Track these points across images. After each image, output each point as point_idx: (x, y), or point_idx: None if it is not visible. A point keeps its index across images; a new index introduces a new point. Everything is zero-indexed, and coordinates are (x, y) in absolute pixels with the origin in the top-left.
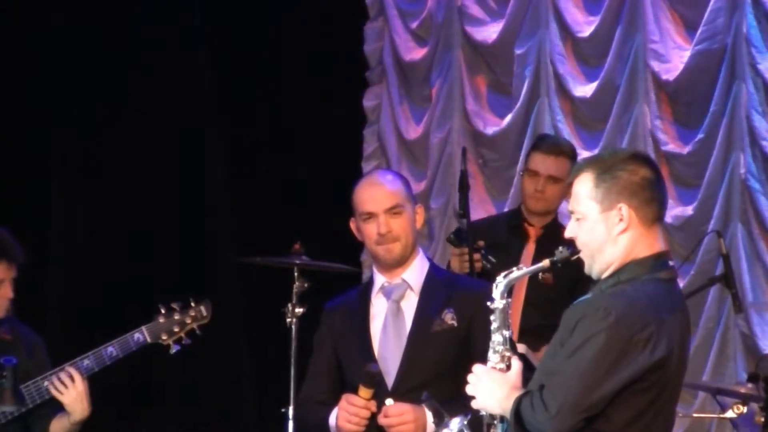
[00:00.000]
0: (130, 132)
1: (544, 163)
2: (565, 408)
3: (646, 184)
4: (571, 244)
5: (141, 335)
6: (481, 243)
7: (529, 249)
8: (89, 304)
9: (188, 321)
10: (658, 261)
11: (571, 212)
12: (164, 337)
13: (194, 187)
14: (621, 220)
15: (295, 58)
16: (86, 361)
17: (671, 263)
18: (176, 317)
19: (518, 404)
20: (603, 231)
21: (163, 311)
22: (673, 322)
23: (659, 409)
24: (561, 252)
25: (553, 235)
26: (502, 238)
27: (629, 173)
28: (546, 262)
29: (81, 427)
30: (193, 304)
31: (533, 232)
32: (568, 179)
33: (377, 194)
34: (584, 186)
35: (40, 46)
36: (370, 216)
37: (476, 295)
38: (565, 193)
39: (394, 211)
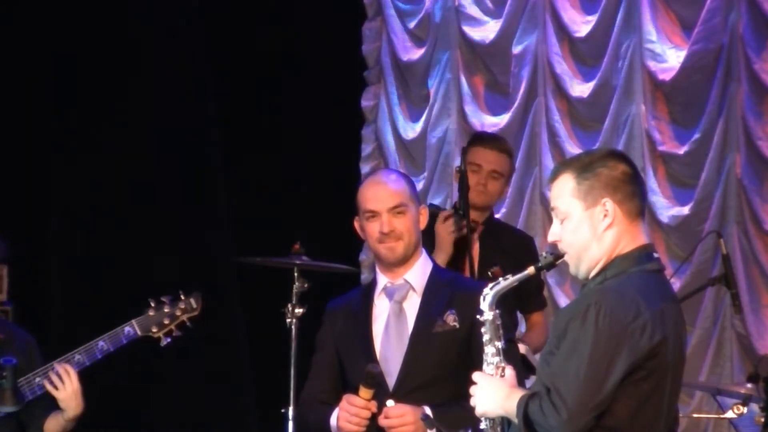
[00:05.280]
0: (130, 132)
1: (486, 158)
2: (576, 409)
3: (627, 179)
4: (502, 235)
5: (131, 329)
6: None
7: (474, 246)
8: (89, 306)
9: (178, 313)
10: (644, 253)
11: (554, 213)
12: (154, 330)
13: (194, 186)
14: (606, 215)
15: (294, 57)
16: (77, 356)
17: (656, 255)
18: (166, 310)
19: (525, 407)
20: (588, 229)
21: (153, 304)
22: (665, 310)
23: (661, 401)
24: (545, 257)
25: (494, 230)
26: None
27: (609, 169)
28: (531, 269)
29: (76, 424)
30: (182, 297)
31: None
32: (548, 181)
33: (381, 193)
34: (566, 185)
35: (40, 48)
36: (374, 214)
37: (478, 297)
38: (504, 190)
39: (397, 210)
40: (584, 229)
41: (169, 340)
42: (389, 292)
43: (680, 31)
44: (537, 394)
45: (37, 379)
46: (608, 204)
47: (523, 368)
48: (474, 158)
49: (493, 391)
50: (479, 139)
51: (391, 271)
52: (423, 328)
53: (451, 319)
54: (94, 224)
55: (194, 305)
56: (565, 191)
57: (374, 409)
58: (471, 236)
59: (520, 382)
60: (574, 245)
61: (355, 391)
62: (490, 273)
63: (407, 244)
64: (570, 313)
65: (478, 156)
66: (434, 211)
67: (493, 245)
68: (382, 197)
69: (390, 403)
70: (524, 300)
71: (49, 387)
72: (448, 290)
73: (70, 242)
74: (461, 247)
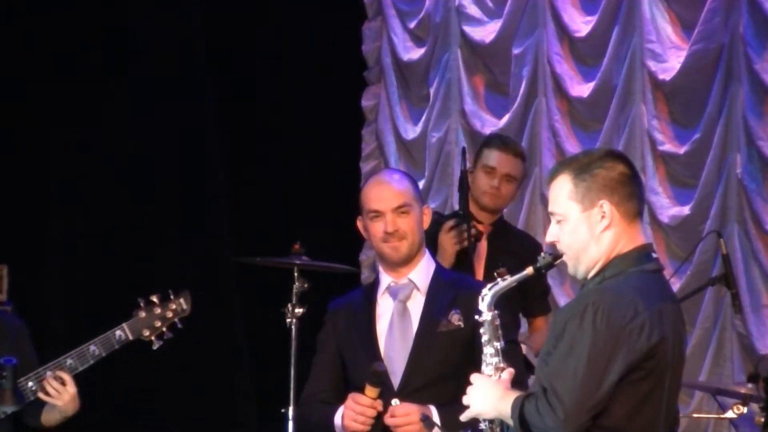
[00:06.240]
0: (130, 132)
1: (500, 161)
2: (573, 409)
3: (624, 180)
4: (510, 237)
5: (122, 333)
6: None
7: (482, 246)
8: (88, 306)
9: (169, 315)
10: (642, 254)
11: (551, 215)
12: (146, 333)
13: (194, 186)
14: (603, 217)
15: (294, 58)
16: (69, 361)
17: (655, 255)
18: (157, 311)
19: (521, 408)
20: (586, 230)
21: (142, 305)
22: (664, 310)
23: (660, 401)
24: (544, 257)
25: (502, 231)
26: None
27: (607, 170)
28: (530, 270)
29: (74, 418)
30: (172, 297)
31: (483, 230)
32: (546, 182)
33: (385, 193)
34: (563, 187)
35: (39, 47)
36: (378, 214)
37: None
38: (516, 193)
39: (401, 210)
40: (582, 231)
41: (160, 342)
42: (393, 292)
43: (681, 31)
44: (533, 395)
45: (30, 384)
46: (605, 206)
47: (526, 369)
48: (488, 161)
49: (488, 392)
50: (495, 141)
51: (395, 270)
52: (428, 327)
53: (455, 319)
54: (94, 224)
55: (185, 306)
56: (562, 193)
57: (380, 408)
58: (475, 244)
59: (523, 383)
60: (573, 246)
61: (359, 391)
62: (495, 274)
63: (411, 244)
64: (568, 313)
65: (492, 158)
66: (437, 219)
67: (502, 246)
68: (386, 197)
69: (395, 402)
70: (528, 303)
71: (45, 398)
72: (452, 290)
73: (70, 242)
74: (464, 255)
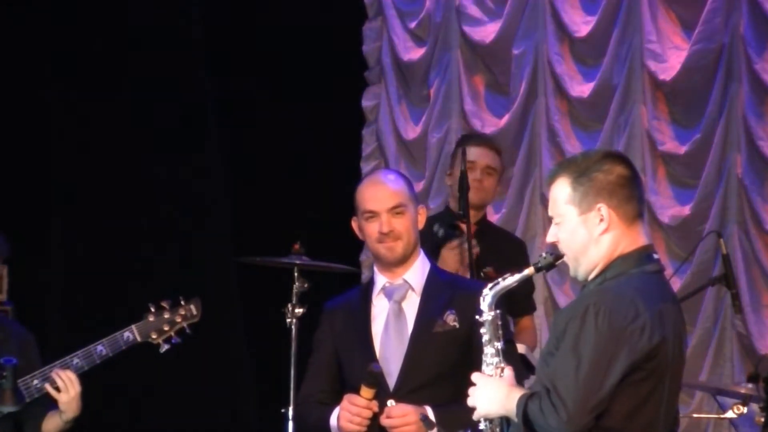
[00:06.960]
0: (130, 132)
1: (478, 154)
2: (575, 410)
3: (623, 182)
4: (496, 236)
5: (131, 334)
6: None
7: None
8: (89, 305)
9: (178, 320)
10: (643, 254)
11: (551, 217)
12: (154, 336)
13: (194, 186)
14: (601, 220)
15: (294, 57)
16: (76, 360)
17: (656, 256)
18: (166, 316)
19: (525, 407)
20: (584, 233)
21: (152, 309)
22: (665, 311)
23: (660, 401)
24: (545, 257)
25: (488, 230)
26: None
27: (605, 173)
28: (531, 269)
29: (74, 424)
30: (182, 303)
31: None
32: (545, 183)
33: (380, 193)
34: (562, 190)
35: (39, 47)
36: (373, 215)
37: (479, 297)
38: (497, 188)
39: (396, 210)
40: (580, 234)
41: (168, 346)
42: (388, 292)
43: (681, 31)
44: (536, 394)
45: (35, 382)
46: (603, 209)
47: (524, 368)
48: (467, 156)
49: (493, 392)
50: (469, 138)
51: (390, 271)
52: (423, 327)
53: (451, 319)
54: (95, 224)
55: (194, 312)
56: (560, 197)
57: (376, 409)
58: (469, 237)
59: (520, 382)
60: (571, 248)
61: (355, 391)
62: (483, 273)
63: (406, 244)
64: (569, 314)
65: (470, 153)
66: (443, 237)
67: (488, 245)
68: (381, 197)
69: (391, 403)
70: (514, 303)
71: (51, 391)
72: (448, 290)
73: (70, 242)
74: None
